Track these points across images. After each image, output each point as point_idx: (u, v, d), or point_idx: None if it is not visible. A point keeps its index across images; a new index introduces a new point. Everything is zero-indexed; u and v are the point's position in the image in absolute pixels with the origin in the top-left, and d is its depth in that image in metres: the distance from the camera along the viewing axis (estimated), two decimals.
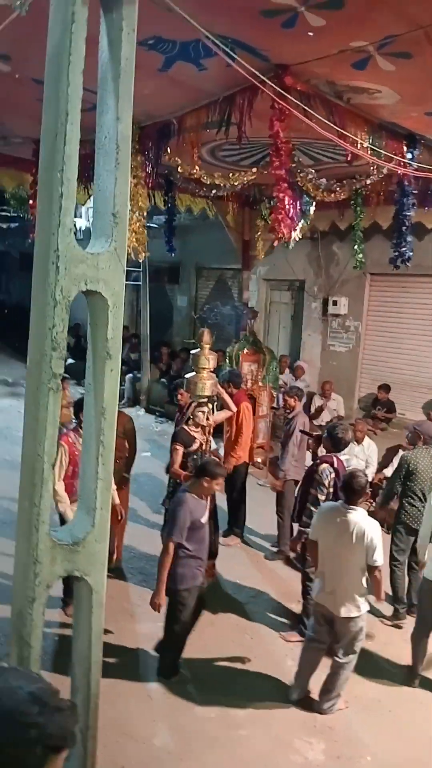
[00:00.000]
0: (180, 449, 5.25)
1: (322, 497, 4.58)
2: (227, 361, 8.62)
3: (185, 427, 5.33)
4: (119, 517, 4.88)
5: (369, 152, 5.01)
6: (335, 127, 4.42)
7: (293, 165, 5.48)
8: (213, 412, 5.39)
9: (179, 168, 5.77)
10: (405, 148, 5.40)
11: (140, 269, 11.50)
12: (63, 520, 4.50)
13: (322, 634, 3.99)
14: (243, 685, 4.18)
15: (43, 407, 2.10)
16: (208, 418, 5.26)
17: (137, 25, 2.33)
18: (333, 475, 4.58)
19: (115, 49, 2.32)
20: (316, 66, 4.19)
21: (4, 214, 15.12)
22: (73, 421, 5.04)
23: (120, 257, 2.32)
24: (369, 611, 3.97)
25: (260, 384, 8.84)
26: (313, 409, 9.22)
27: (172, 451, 5.37)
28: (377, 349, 9.79)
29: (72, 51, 2.13)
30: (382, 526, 4.03)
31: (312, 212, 7.21)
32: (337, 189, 6.36)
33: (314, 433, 5.67)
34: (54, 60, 2.16)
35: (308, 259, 10.36)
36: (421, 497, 5.03)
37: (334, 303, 9.94)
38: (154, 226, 10.04)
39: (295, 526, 5.19)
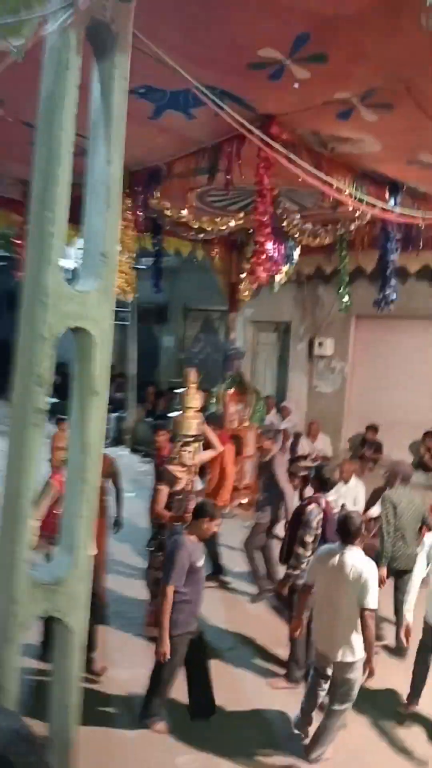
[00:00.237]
0: (164, 489, 5.18)
1: (309, 538, 4.54)
2: (214, 401, 8.62)
3: (169, 467, 5.28)
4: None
5: (353, 199, 5.14)
6: (319, 174, 4.54)
7: (279, 211, 5.63)
8: (198, 451, 5.36)
9: (168, 211, 5.88)
10: (387, 195, 5.56)
11: (128, 309, 11.59)
12: None
13: (320, 681, 3.91)
14: (227, 733, 4.05)
15: (27, 444, 2.08)
16: (193, 458, 5.23)
17: (129, 74, 2.42)
18: (321, 515, 4.55)
19: (107, 96, 2.40)
20: (301, 116, 4.33)
21: None
22: None
23: (108, 296, 2.35)
24: None
25: (246, 424, 8.83)
26: (300, 452, 9.20)
27: (155, 492, 5.31)
28: (363, 390, 9.88)
29: (65, 96, 2.21)
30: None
31: (297, 256, 7.40)
32: (322, 234, 6.52)
33: (301, 473, 5.66)
34: (47, 104, 2.23)
35: (294, 301, 10.52)
36: (403, 536, 5.01)
37: (320, 344, 10.08)
38: (143, 267, 10.17)
39: (282, 568, 5.11)
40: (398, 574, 5.09)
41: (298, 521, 4.69)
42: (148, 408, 12.33)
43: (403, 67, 3.52)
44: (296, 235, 6.31)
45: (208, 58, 3.52)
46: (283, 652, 4.91)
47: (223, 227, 6.44)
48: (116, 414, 12.05)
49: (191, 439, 5.20)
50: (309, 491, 4.96)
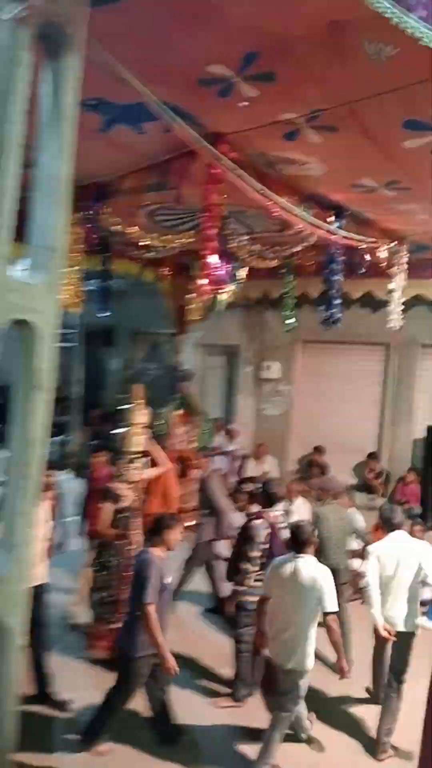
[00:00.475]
0: (108, 507, 5.05)
1: (256, 553, 4.52)
2: (162, 422, 8.57)
3: (113, 485, 5.15)
4: None
5: (299, 218, 5.27)
6: (267, 191, 4.64)
7: (227, 232, 5.73)
8: (146, 467, 5.29)
9: (117, 226, 5.88)
10: (334, 219, 5.74)
11: (74, 331, 11.45)
12: None
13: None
14: (170, 756, 3.95)
15: None
16: (139, 475, 5.15)
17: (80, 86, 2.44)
18: (269, 530, 4.54)
19: (59, 94, 2.40)
20: (249, 136, 4.43)
21: None
22: None
23: (54, 290, 2.31)
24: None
25: (193, 446, 8.80)
26: (247, 473, 9.21)
27: (95, 511, 5.16)
28: (308, 413, 10.03)
29: (14, 92, 2.20)
30: None
31: (243, 276, 7.52)
32: (270, 256, 6.66)
33: (246, 490, 5.67)
34: None
35: (242, 325, 10.65)
36: (333, 550, 5.06)
37: (267, 368, 10.22)
38: (91, 288, 10.11)
39: (229, 585, 5.05)
40: None
41: (244, 537, 4.66)
42: (93, 431, 12.11)
43: (348, 91, 3.66)
44: (244, 257, 6.42)
45: (159, 72, 3.56)
46: (228, 672, 4.82)
47: (173, 245, 6.48)
48: (60, 437, 11.78)
49: (137, 455, 5.13)
50: (255, 508, 4.94)
